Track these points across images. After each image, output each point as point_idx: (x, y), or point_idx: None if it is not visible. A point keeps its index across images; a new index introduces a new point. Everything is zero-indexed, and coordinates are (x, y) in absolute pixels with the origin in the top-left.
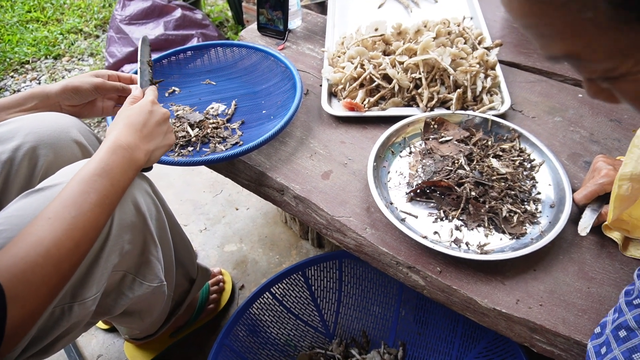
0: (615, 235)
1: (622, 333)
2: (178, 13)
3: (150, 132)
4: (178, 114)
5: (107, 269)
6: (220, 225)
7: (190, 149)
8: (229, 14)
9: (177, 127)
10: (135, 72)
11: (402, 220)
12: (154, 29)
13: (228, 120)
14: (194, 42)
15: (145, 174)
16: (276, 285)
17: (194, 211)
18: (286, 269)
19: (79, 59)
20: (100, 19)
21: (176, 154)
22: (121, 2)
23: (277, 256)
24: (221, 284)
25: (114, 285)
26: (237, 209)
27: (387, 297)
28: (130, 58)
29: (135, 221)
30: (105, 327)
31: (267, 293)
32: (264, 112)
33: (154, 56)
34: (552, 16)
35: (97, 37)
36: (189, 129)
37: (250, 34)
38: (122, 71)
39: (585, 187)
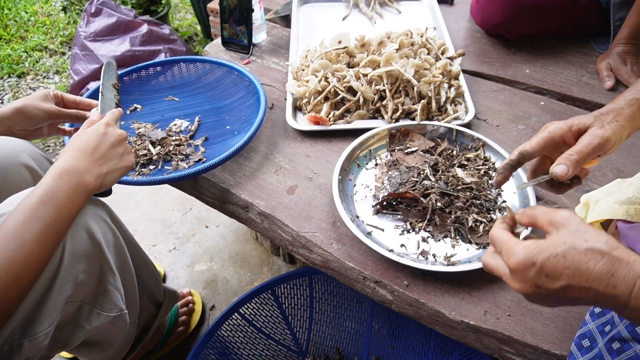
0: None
1: (616, 345)
2: (144, 29)
3: (103, 155)
4: (139, 132)
5: (60, 301)
6: (189, 244)
7: (151, 167)
8: (198, 28)
9: (139, 145)
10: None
11: (369, 234)
12: (120, 45)
13: (191, 137)
14: (162, 58)
15: (104, 198)
16: (245, 306)
17: (163, 230)
18: (255, 288)
19: (44, 77)
20: (66, 35)
21: (137, 173)
22: (85, 18)
23: (248, 274)
24: (190, 305)
25: (69, 317)
26: (207, 227)
27: (359, 311)
28: (96, 75)
29: (89, 249)
30: (69, 356)
31: (235, 314)
32: (228, 127)
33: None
34: None
35: (63, 54)
36: (151, 147)
37: (215, 49)
38: (87, 88)
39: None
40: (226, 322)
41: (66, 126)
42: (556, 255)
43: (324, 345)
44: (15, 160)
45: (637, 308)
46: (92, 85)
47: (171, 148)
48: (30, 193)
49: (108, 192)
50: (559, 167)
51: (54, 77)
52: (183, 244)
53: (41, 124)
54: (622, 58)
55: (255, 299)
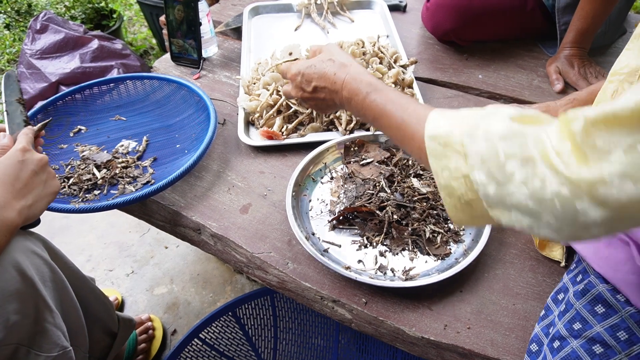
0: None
1: (556, 343)
2: (95, 44)
3: (25, 185)
4: (84, 155)
5: None
6: (148, 266)
7: (96, 192)
8: (154, 41)
9: (82, 169)
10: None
11: (325, 251)
12: (69, 62)
13: (139, 158)
14: (114, 74)
15: (37, 229)
16: (205, 330)
17: (120, 254)
18: (214, 311)
19: None
20: (13, 53)
21: (80, 200)
22: (30, 35)
23: (210, 294)
24: (150, 331)
25: None
26: (166, 247)
27: (325, 326)
28: (45, 94)
29: (20, 287)
30: None
31: (195, 340)
32: (178, 146)
33: (60, 94)
34: None
35: None
36: (95, 171)
37: (165, 64)
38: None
39: None
40: (186, 349)
41: None
42: (310, 66)
43: None
44: None
45: (345, 98)
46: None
47: (117, 171)
48: None
49: (36, 223)
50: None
51: (1, 98)
52: (141, 267)
53: None
54: (569, 61)
55: (216, 322)
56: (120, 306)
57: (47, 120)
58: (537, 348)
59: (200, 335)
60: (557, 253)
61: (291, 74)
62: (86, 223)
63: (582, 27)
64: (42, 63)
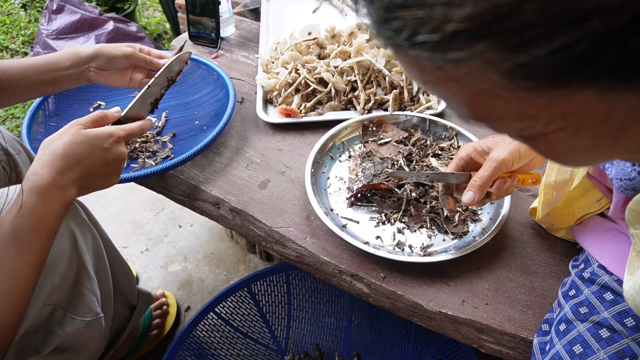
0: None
1: (562, 327)
2: (110, 26)
3: (94, 171)
4: None
5: (35, 306)
6: (162, 244)
7: None
8: (167, 26)
9: None
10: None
11: (343, 227)
12: (85, 43)
13: (158, 134)
14: None
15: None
16: (221, 305)
17: (135, 232)
18: (230, 286)
19: None
20: (27, 35)
21: None
22: (46, 15)
23: (224, 273)
24: (164, 307)
25: (41, 321)
26: (180, 227)
27: (338, 306)
28: None
29: (67, 252)
30: None
31: (211, 313)
32: (196, 122)
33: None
34: (448, 87)
35: (25, 54)
36: None
37: (182, 43)
38: None
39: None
40: (202, 323)
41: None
42: None
43: (304, 342)
44: None
45: None
46: None
47: (137, 145)
48: (18, 215)
49: None
50: (466, 195)
51: None
52: (156, 244)
53: (118, 66)
54: None
55: (231, 297)
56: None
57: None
58: (548, 329)
59: (216, 309)
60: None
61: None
62: (101, 200)
63: None
64: (57, 43)
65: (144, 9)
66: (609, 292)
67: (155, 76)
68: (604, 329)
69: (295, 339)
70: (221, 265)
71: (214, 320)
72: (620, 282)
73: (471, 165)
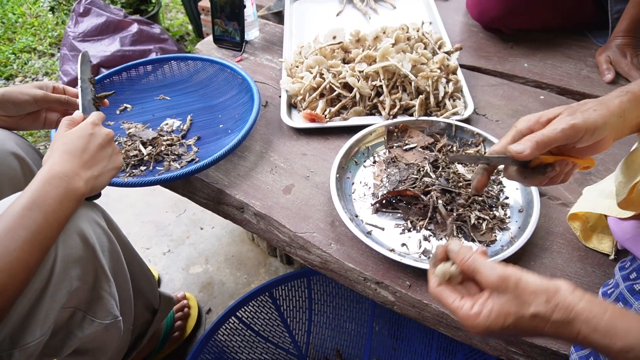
0: (575, 226)
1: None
2: (134, 28)
3: (92, 157)
4: (130, 132)
5: (54, 309)
6: (184, 246)
7: (143, 168)
8: (190, 27)
9: (129, 145)
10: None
11: (368, 234)
12: (110, 45)
13: (183, 137)
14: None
15: (96, 201)
16: (242, 309)
17: (157, 233)
18: (252, 290)
19: (32, 79)
20: (55, 36)
21: (127, 174)
22: (73, 18)
23: (245, 276)
24: (186, 309)
25: (61, 323)
26: (201, 229)
27: (359, 312)
28: None
29: (83, 255)
30: None
31: (232, 318)
32: (221, 126)
33: (107, 72)
34: None
35: (52, 55)
36: (142, 148)
37: (207, 47)
38: None
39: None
40: (223, 326)
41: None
42: (508, 327)
43: (324, 347)
44: (3, 149)
45: (583, 344)
46: None
47: (163, 148)
48: (17, 199)
49: (98, 195)
50: (516, 145)
51: (43, 79)
52: (177, 246)
53: (28, 110)
54: (621, 51)
55: (253, 301)
56: (157, 283)
57: (111, 92)
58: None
59: (238, 313)
60: (606, 246)
61: (476, 332)
62: (124, 201)
63: (637, 14)
64: (84, 45)
65: (167, 11)
66: None
67: (79, 78)
68: None
69: (316, 344)
70: (242, 268)
71: (235, 324)
72: None
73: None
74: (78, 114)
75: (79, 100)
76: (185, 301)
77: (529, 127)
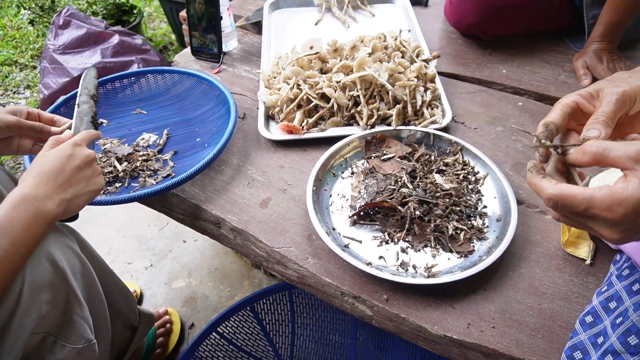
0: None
1: (609, 358)
2: (116, 39)
3: (68, 179)
4: (105, 148)
5: (23, 335)
6: (167, 260)
7: (118, 185)
8: (173, 37)
9: (104, 162)
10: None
11: (346, 247)
12: (91, 57)
13: (159, 151)
14: (134, 68)
15: (78, 219)
16: (223, 324)
17: (139, 247)
18: (232, 305)
19: (14, 92)
20: (36, 49)
21: (102, 192)
22: (53, 31)
23: (228, 289)
24: (168, 325)
25: (31, 349)
26: (184, 241)
27: (343, 323)
28: (67, 89)
29: (53, 279)
30: None
31: (213, 334)
32: (198, 140)
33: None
34: None
35: (34, 68)
36: (117, 164)
37: (185, 59)
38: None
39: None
40: (204, 343)
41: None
42: None
43: None
44: None
45: None
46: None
47: (138, 164)
48: None
49: (74, 217)
50: (591, 131)
51: (25, 92)
52: (160, 260)
53: (0, 137)
54: (597, 56)
55: (234, 316)
56: (139, 299)
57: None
58: (582, 357)
59: (218, 329)
60: (582, 251)
61: (624, 214)
62: (106, 216)
63: (611, 20)
64: (64, 58)
65: (150, 21)
66: None
67: (78, 96)
68: None
69: (300, 357)
70: (225, 280)
71: (216, 340)
72: None
73: (578, 117)
74: (67, 133)
75: (74, 119)
76: (167, 317)
77: (574, 101)
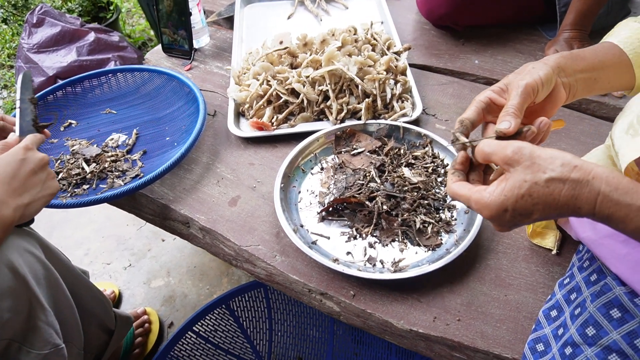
0: None
1: (568, 350)
2: (92, 37)
3: (23, 184)
4: (73, 149)
5: None
6: (145, 259)
7: (85, 187)
8: (152, 32)
9: (72, 164)
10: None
11: (314, 243)
12: (66, 56)
13: (128, 151)
14: (111, 66)
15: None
16: (199, 323)
17: (117, 247)
18: (207, 304)
19: None
20: (13, 47)
21: (69, 194)
22: (27, 29)
23: (207, 287)
24: (147, 325)
25: None
26: (163, 240)
27: (320, 317)
28: (43, 88)
29: (13, 286)
30: None
31: (189, 332)
32: (167, 139)
33: (50, 88)
34: None
35: (11, 67)
36: (85, 165)
37: (156, 56)
38: None
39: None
40: (180, 342)
41: None
42: (522, 196)
43: (286, 356)
44: None
45: (601, 219)
46: None
47: (107, 165)
48: None
49: (30, 222)
50: (503, 123)
51: (2, 92)
52: (139, 260)
53: None
54: (568, 44)
55: (209, 315)
56: (118, 299)
57: (51, 123)
58: (544, 349)
59: (194, 328)
60: (548, 241)
61: (489, 214)
62: (84, 216)
63: (582, 8)
64: (39, 57)
65: (128, 17)
66: (615, 309)
67: (17, 99)
68: (614, 354)
69: (278, 353)
70: (204, 279)
71: (192, 339)
72: (630, 295)
73: (493, 110)
74: (13, 137)
75: (17, 122)
76: (145, 316)
77: (488, 97)
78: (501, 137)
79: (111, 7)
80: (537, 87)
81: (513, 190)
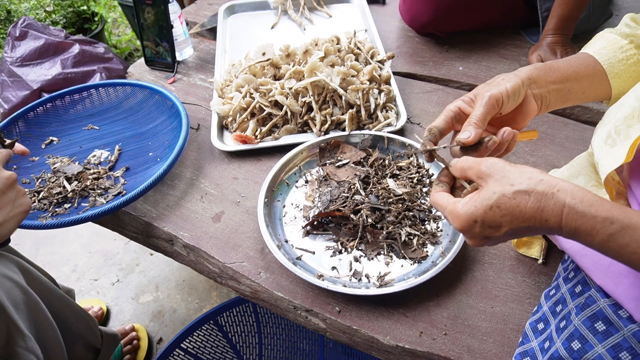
0: None
1: None
2: (76, 49)
3: None
4: (55, 168)
5: None
6: (134, 274)
7: (67, 205)
8: (138, 43)
9: (53, 182)
10: None
11: (298, 259)
12: (51, 69)
13: (111, 168)
14: (97, 78)
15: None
16: (187, 340)
17: (105, 262)
18: (195, 320)
19: None
20: None
21: (50, 214)
22: (10, 43)
23: (196, 301)
24: (135, 341)
25: None
26: (151, 254)
27: (310, 330)
28: (28, 102)
29: None
30: None
31: (177, 350)
32: (150, 154)
33: (30, 105)
34: None
35: None
36: (66, 184)
37: (139, 69)
38: None
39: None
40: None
41: None
42: (491, 207)
43: None
44: None
45: (569, 233)
46: None
47: (88, 183)
48: None
49: (5, 242)
50: (464, 133)
51: None
52: (127, 275)
53: None
54: (551, 49)
55: (197, 331)
56: (106, 315)
57: (14, 140)
58: None
59: (182, 345)
60: (534, 250)
61: (460, 224)
62: (71, 232)
63: (563, 13)
64: (23, 70)
65: (114, 27)
66: (600, 322)
67: None
68: None
69: None
70: (193, 293)
71: (181, 356)
72: (614, 307)
73: (462, 119)
74: None
75: None
76: (134, 333)
77: (458, 106)
78: (462, 146)
79: (96, 18)
80: (502, 98)
81: (483, 202)
